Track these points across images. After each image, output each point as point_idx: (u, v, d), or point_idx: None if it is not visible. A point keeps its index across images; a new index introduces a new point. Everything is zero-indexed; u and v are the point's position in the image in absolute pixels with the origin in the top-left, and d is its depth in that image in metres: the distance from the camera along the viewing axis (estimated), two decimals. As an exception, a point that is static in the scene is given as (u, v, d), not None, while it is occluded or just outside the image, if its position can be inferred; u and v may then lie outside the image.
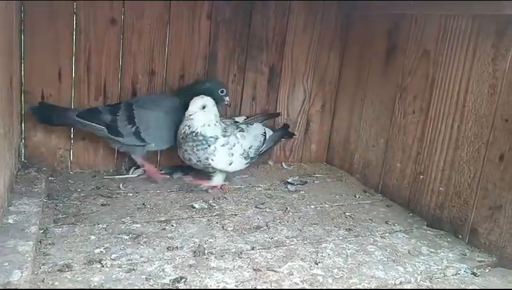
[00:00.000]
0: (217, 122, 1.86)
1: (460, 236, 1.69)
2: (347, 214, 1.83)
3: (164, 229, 1.56)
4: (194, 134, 1.82)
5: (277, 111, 2.36)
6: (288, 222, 1.72)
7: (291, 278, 1.33)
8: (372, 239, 1.63)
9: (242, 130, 1.94)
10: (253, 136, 1.99)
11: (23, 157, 1.94)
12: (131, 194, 1.83)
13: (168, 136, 1.94)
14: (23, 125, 1.92)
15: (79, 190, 1.82)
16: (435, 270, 1.45)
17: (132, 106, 1.91)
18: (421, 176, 1.88)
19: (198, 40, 2.12)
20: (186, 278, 1.27)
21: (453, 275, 1.44)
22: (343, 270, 1.40)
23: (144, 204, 1.75)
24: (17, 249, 1.23)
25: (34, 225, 1.37)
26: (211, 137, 1.83)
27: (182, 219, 1.66)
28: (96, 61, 1.96)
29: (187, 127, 1.83)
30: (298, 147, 2.49)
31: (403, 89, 1.98)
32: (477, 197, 1.63)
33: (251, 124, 2.05)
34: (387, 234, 1.68)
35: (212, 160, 1.84)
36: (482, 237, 1.61)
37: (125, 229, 1.53)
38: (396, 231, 1.72)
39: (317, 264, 1.42)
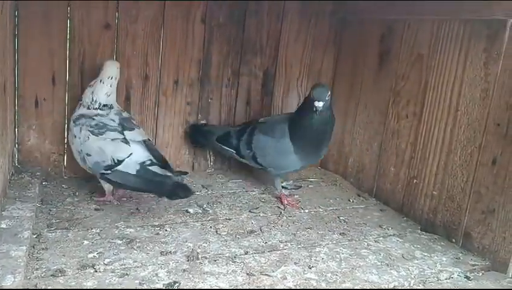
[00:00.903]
0: None
1: (453, 240, 1.69)
2: (341, 218, 1.84)
3: (158, 233, 1.56)
4: None
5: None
6: (282, 226, 1.72)
7: (284, 282, 1.33)
8: (366, 243, 1.63)
9: None
10: None
11: (16, 162, 1.93)
12: (124, 199, 1.82)
13: (283, 160, 1.88)
14: (16, 130, 1.92)
15: (72, 194, 1.82)
16: (429, 274, 1.46)
17: (255, 131, 1.93)
18: (415, 180, 1.88)
19: (192, 45, 2.12)
20: (180, 283, 1.27)
21: (446, 279, 1.45)
22: (336, 275, 1.40)
23: (137, 209, 1.74)
24: (10, 254, 1.23)
25: (27, 230, 1.37)
26: None
27: (176, 223, 1.66)
28: (90, 65, 1.96)
29: None
30: (292, 151, 2.49)
31: (396, 93, 1.99)
32: (470, 201, 1.64)
33: None
34: (381, 238, 1.69)
35: None
36: (475, 241, 1.62)
37: (119, 234, 1.53)
38: (390, 235, 1.72)
39: (310, 268, 1.42)
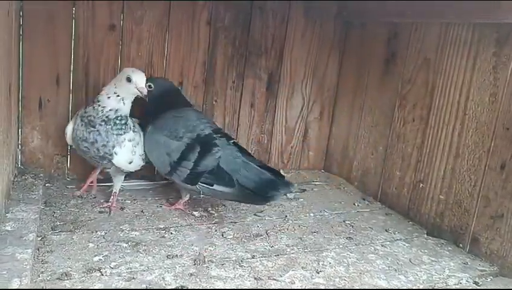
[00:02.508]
0: None
1: (461, 245, 1.68)
2: (347, 222, 1.82)
3: (163, 237, 1.54)
4: None
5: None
6: (288, 230, 1.71)
7: (292, 287, 1.32)
8: (373, 248, 1.62)
9: None
10: None
11: (20, 164, 1.92)
12: (128, 201, 1.81)
13: None
14: (20, 131, 1.90)
15: (76, 196, 1.80)
16: (437, 279, 1.44)
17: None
18: (421, 185, 1.87)
19: (197, 47, 2.11)
20: (187, 287, 1.25)
21: (455, 285, 1.43)
22: (345, 279, 1.39)
23: (142, 211, 1.73)
24: (16, 256, 1.21)
25: (32, 232, 1.35)
26: None
27: (181, 226, 1.64)
28: (94, 67, 1.95)
29: None
30: (296, 155, 2.48)
31: (402, 97, 1.98)
32: (478, 206, 1.63)
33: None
34: (388, 243, 1.67)
35: None
36: (483, 246, 1.60)
37: (124, 236, 1.51)
38: (397, 240, 1.71)
39: (318, 273, 1.41)
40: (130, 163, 1.71)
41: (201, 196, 1.82)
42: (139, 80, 1.61)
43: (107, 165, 1.72)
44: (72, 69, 1.92)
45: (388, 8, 2.04)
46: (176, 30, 2.05)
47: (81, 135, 1.66)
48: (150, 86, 1.79)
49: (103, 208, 1.71)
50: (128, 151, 1.69)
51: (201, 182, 1.65)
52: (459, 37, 1.71)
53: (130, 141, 1.69)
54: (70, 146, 1.87)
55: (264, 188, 1.61)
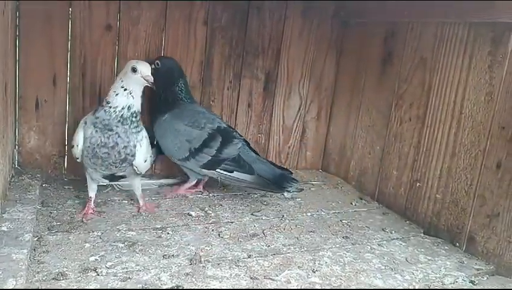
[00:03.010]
0: None
1: (457, 244, 1.68)
2: (344, 221, 1.82)
3: (160, 236, 1.54)
4: None
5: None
6: (284, 229, 1.71)
7: (288, 286, 1.32)
8: (369, 247, 1.62)
9: None
10: None
11: (16, 164, 1.92)
12: (126, 201, 1.81)
13: None
14: (17, 131, 1.90)
15: (73, 197, 1.80)
16: (433, 278, 1.44)
17: None
18: (418, 184, 1.87)
19: (194, 47, 2.11)
20: (183, 287, 1.25)
21: (451, 284, 1.43)
22: (341, 279, 1.38)
23: (138, 211, 1.73)
24: (12, 257, 1.21)
25: (28, 233, 1.36)
26: None
27: (178, 226, 1.64)
28: (91, 67, 1.95)
29: None
30: (294, 154, 2.48)
31: (399, 97, 1.98)
32: (475, 205, 1.63)
33: None
34: (385, 242, 1.67)
35: None
36: (479, 245, 1.60)
37: (121, 236, 1.51)
38: (394, 239, 1.71)
39: (314, 272, 1.41)
40: (145, 161, 1.67)
41: (219, 180, 1.90)
42: (144, 68, 1.57)
43: (124, 168, 1.66)
44: (68, 69, 1.92)
45: (385, 8, 2.04)
46: (172, 30, 2.05)
47: (98, 141, 1.55)
48: (157, 64, 1.87)
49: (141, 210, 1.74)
50: (145, 149, 1.65)
51: (220, 169, 1.84)
52: (455, 36, 1.71)
53: (146, 137, 1.66)
54: (67, 146, 1.87)
55: (278, 179, 1.87)
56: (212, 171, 1.85)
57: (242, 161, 1.86)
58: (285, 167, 2.04)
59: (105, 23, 1.94)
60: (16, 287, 1.09)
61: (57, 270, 1.26)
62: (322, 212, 1.90)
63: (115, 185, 1.92)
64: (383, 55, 2.08)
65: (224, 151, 1.84)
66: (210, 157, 1.83)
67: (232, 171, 1.84)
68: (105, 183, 1.85)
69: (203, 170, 1.85)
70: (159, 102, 1.91)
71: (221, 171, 1.84)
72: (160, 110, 1.90)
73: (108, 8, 1.93)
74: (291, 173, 1.97)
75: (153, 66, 1.75)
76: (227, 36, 2.17)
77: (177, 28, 2.06)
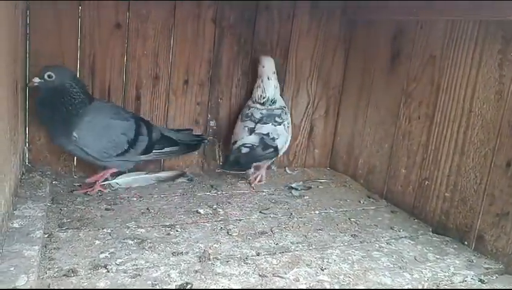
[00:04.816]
0: None
1: (466, 243, 1.68)
2: (352, 219, 1.83)
3: (169, 234, 1.55)
4: None
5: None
6: (293, 227, 1.71)
7: (297, 284, 1.32)
8: (377, 245, 1.62)
9: None
10: None
11: (27, 161, 1.93)
12: (135, 199, 1.82)
13: None
14: (27, 129, 1.91)
15: (83, 194, 1.81)
16: (442, 277, 1.44)
17: None
18: (426, 182, 1.87)
19: (203, 45, 2.12)
20: (192, 284, 1.26)
21: (460, 282, 1.43)
22: (349, 277, 1.39)
23: (148, 209, 1.74)
24: (23, 253, 1.22)
25: (39, 230, 1.37)
26: None
27: (187, 223, 1.65)
28: (100, 65, 1.96)
29: None
30: (301, 152, 2.49)
31: (407, 95, 1.97)
32: (484, 203, 1.62)
33: None
34: (393, 240, 1.67)
35: None
36: (488, 243, 1.60)
37: (130, 234, 1.52)
38: (402, 237, 1.71)
39: (323, 270, 1.41)
40: None
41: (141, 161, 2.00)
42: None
43: None
44: (78, 67, 1.93)
45: (394, 6, 2.04)
46: (181, 28, 2.06)
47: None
48: (49, 76, 1.71)
49: None
50: None
51: (155, 150, 1.97)
52: (465, 34, 1.71)
53: None
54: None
55: (194, 141, 2.12)
56: (149, 154, 1.95)
57: (167, 137, 2.01)
58: (187, 128, 2.19)
59: (115, 21, 1.94)
60: (28, 283, 1.10)
61: (67, 267, 1.27)
62: (330, 211, 1.91)
63: (112, 183, 1.93)
64: (392, 53, 2.08)
65: (152, 136, 1.94)
66: (146, 143, 1.92)
67: (163, 149, 1.99)
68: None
69: (141, 156, 1.94)
70: (65, 112, 1.74)
71: (156, 152, 1.98)
72: (71, 119, 1.74)
73: (118, 6, 1.94)
74: (192, 130, 2.18)
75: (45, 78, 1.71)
76: (235, 34, 2.17)
77: (186, 26, 2.07)
